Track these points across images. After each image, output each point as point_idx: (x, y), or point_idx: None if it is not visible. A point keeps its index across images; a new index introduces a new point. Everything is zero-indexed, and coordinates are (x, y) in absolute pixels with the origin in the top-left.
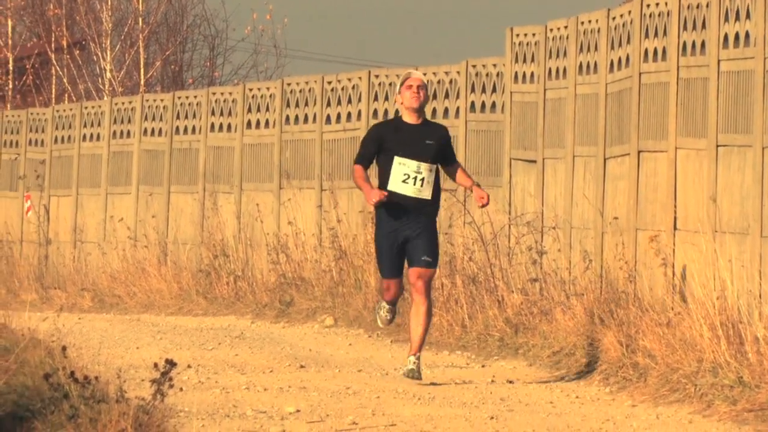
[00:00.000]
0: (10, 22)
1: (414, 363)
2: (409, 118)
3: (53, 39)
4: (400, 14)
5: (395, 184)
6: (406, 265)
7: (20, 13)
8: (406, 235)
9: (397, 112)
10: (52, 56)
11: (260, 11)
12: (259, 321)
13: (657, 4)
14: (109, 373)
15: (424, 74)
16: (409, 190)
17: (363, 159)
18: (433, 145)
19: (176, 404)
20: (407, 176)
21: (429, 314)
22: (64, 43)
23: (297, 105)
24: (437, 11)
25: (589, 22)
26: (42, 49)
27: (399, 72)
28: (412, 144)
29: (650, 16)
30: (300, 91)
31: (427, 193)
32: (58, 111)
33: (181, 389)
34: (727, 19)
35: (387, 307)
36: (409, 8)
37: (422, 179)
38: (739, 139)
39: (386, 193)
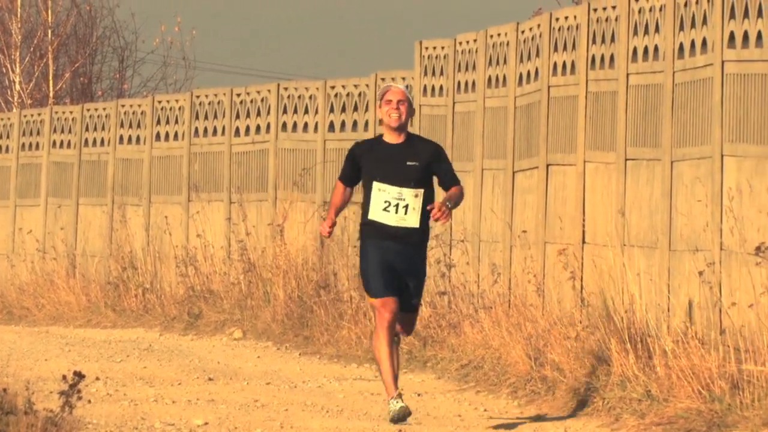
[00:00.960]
0: None
1: (397, 402)
2: (390, 137)
3: None
4: (311, 27)
5: (375, 213)
6: None
7: None
8: (397, 268)
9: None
10: None
11: (169, 23)
12: (168, 333)
13: (566, 18)
14: (18, 385)
15: (343, 87)
16: (390, 219)
17: (342, 176)
18: (416, 166)
19: (84, 416)
20: (388, 203)
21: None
22: None
23: (206, 117)
24: (349, 24)
25: (498, 35)
26: None
27: (308, 85)
28: (392, 167)
29: (559, 29)
30: (209, 104)
31: (412, 221)
32: None
33: (90, 401)
34: (636, 33)
35: (399, 406)
36: (320, 21)
37: (405, 206)
38: (647, 153)
39: (328, 230)
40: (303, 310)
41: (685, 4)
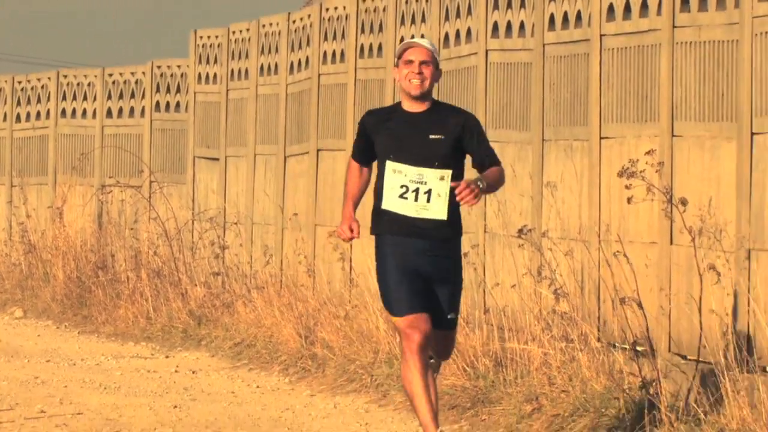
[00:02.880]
0: None
1: None
2: (409, 104)
3: None
4: (90, 16)
5: (390, 201)
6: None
7: None
8: (423, 274)
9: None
10: None
11: None
12: None
13: (336, 8)
14: None
15: (121, 74)
16: (409, 208)
17: (354, 153)
18: (441, 141)
19: None
20: (405, 188)
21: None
22: None
23: None
24: (126, 13)
25: (270, 25)
26: None
27: (87, 72)
28: (410, 141)
29: (329, 19)
30: None
31: (437, 211)
32: None
33: None
34: (403, 23)
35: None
36: (98, 10)
37: (427, 192)
38: None
39: (353, 235)
40: (82, 290)
41: None
